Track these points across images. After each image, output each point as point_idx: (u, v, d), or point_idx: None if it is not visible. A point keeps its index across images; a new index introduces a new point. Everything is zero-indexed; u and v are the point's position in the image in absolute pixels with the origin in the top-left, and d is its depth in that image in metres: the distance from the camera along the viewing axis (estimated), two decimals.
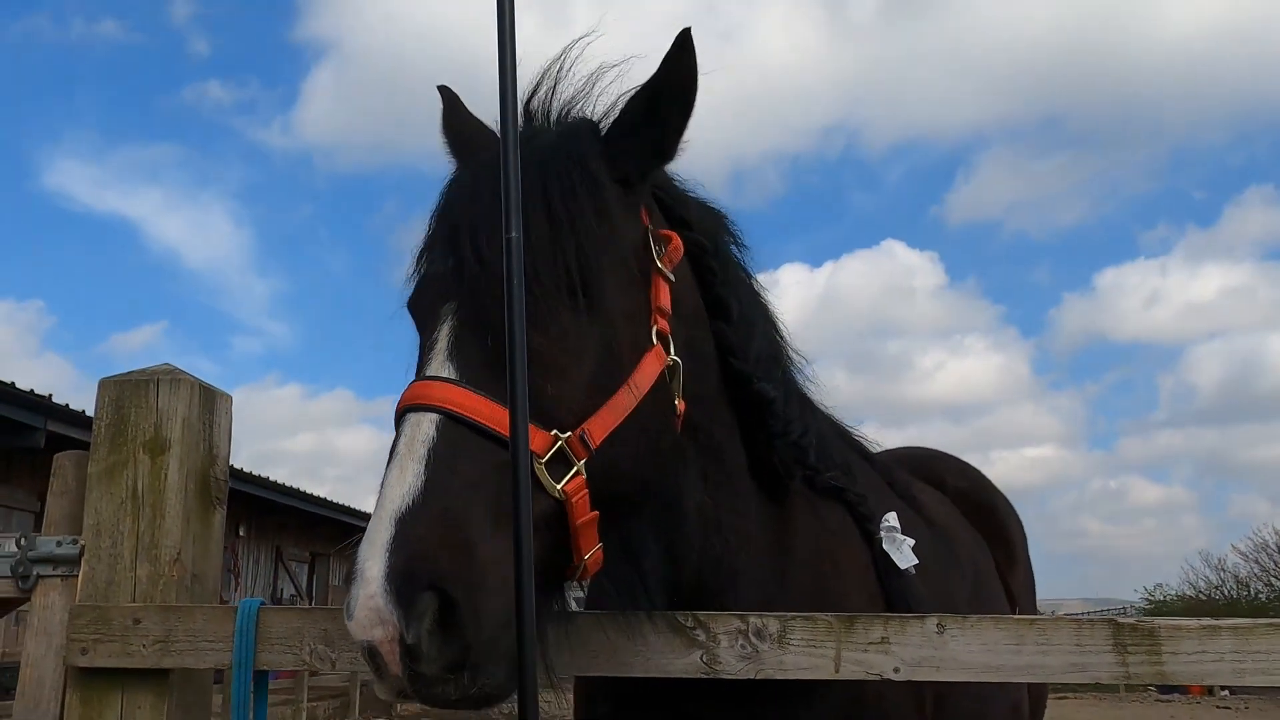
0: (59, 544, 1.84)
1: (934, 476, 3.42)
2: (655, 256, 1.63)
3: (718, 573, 1.83)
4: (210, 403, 1.94)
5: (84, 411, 11.72)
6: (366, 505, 1.46)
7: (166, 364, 1.91)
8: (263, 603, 1.73)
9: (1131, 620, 1.60)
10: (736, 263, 1.95)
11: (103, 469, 1.84)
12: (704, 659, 1.64)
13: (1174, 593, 38.78)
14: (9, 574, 1.83)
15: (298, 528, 22.15)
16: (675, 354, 1.63)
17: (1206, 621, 1.60)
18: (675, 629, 1.66)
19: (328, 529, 22.08)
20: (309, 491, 19.87)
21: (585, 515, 1.40)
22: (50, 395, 11.05)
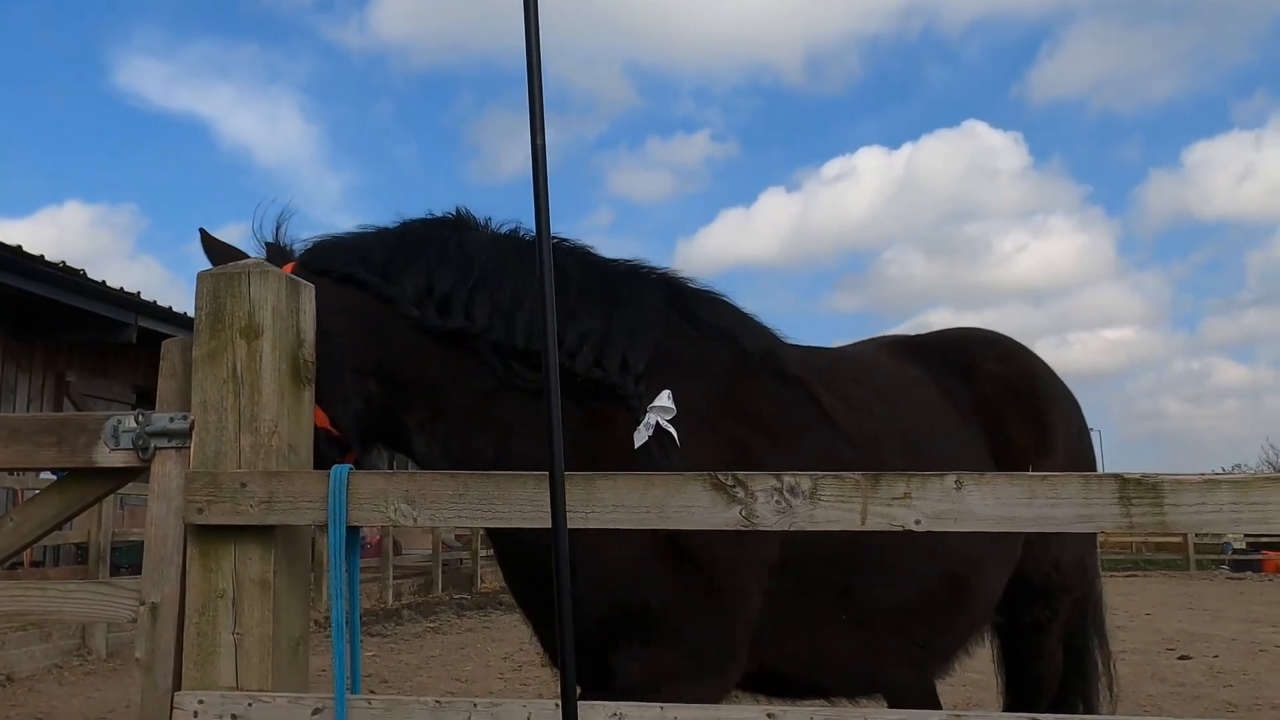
0: (171, 420, 2.07)
1: (962, 361, 3.48)
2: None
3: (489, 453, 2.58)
4: (296, 292, 2.14)
5: (171, 307, 12.25)
6: None
7: (256, 258, 2.11)
8: (351, 468, 1.96)
9: (1137, 475, 1.74)
10: (389, 259, 2.65)
11: (205, 353, 2.06)
12: (742, 514, 1.83)
13: (1253, 472, 38.32)
14: (131, 446, 2.08)
15: None
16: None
17: (1207, 475, 1.74)
18: (718, 487, 1.84)
19: None
20: None
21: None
22: (139, 292, 11.54)
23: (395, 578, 16.23)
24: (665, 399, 2.50)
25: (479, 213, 2.81)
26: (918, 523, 1.79)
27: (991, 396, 3.37)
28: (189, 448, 2.05)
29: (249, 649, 1.96)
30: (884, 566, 2.82)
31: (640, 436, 2.50)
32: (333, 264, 2.62)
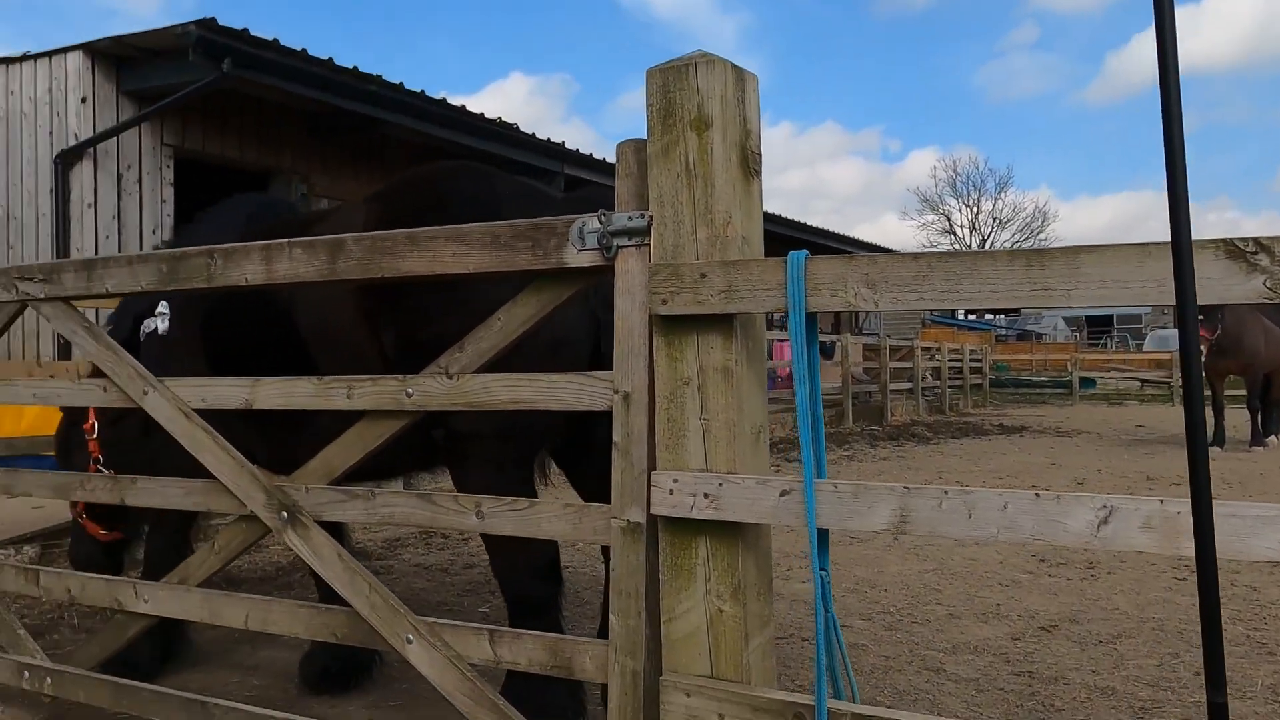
0: (630, 218, 2.15)
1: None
2: None
3: None
4: (741, 82, 2.09)
5: (591, 155, 13.02)
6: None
7: (700, 50, 2.09)
8: (808, 254, 1.92)
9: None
10: None
11: (658, 149, 2.09)
12: (1267, 284, 1.56)
13: None
14: (596, 245, 2.19)
15: None
16: None
17: None
18: (1233, 255, 1.58)
19: None
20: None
21: None
22: (564, 142, 12.39)
23: None
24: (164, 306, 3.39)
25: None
26: None
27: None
28: (648, 244, 2.12)
29: (715, 433, 2.03)
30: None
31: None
32: None
